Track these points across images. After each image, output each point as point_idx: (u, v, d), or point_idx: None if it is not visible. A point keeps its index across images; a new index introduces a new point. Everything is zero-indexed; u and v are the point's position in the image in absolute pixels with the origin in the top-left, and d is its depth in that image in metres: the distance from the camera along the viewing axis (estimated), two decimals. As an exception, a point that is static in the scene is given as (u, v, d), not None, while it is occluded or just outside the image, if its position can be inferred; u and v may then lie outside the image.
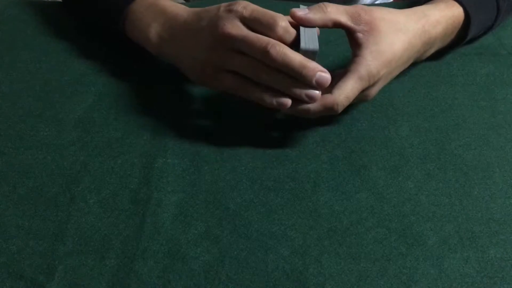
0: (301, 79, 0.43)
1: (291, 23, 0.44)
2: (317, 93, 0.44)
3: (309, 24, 0.44)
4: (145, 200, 0.44)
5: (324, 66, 0.43)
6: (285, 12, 0.45)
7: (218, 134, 0.49)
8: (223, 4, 0.45)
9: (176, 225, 0.42)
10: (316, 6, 0.45)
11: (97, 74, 0.55)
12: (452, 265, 0.40)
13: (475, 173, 0.46)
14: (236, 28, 0.44)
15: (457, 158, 0.48)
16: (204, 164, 0.47)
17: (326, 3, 0.45)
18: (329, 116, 0.47)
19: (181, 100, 0.52)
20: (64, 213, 0.43)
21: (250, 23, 0.44)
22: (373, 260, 0.40)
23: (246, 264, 0.40)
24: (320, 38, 0.45)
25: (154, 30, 0.50)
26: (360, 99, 0.47)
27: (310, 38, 0.43)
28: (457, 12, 0.52)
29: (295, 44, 0.44)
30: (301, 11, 0.44)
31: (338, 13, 0.45)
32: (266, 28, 0.44)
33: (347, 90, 0.44)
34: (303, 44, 0.43)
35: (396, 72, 0.49)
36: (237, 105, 0.50)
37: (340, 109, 0.45)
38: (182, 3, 0.55)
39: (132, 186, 0.45)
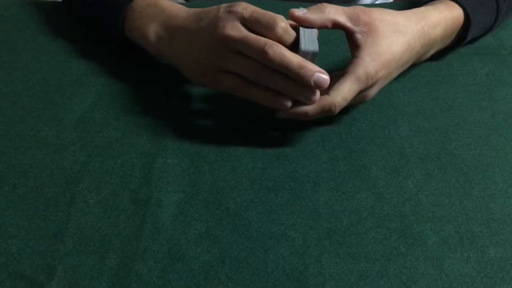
0: (299, 80, 0.43)
1: (291, 25, 0.44)
2: (315, 94, 0.44)
3: (307, 24, 0.44)
4: (145, 200, 0.44)
5: (323, 66, 0.43)
6: (285, 13, 0.45)
7: (218, 134, 0.49)
8: (223, 5, 0.45)
9: (176, 225, 0.42)
10: (315, 6, 0.45)
11: (97, 74, 0.55)
12: (452, 265, 0.40)
13: (475, 173, 0.46)
14: (236, 30, 0.44)
15: (457, 158, 0.48)
16: (204, 164, 0.47)
17: (325, 4, 0.45)
18: (329, 116, 0.47)
19: (181, 100, 0.52)
20: (64, 213, 0.43)
21: (250, 24, 0.44)
22: (373, 260, 0.41)
23: (246, 264, 0.40)
24: (320, 38, 0.45)
25: (152, 30, 0.50)
26: (359, 100, 0.48)
27: (309, 40, 0.43)
28: (457, 13, 0.51)
29: (295, 46, 0.44)
30: (300, 11, 0.44)
31: (337, 14, 0.45)
32: (266, 29, 0.44)
33: (344, 91, 0.44)
34: (302, 46, 0.43)
35: (396, 74, 0.49)
36: (237, 105, 0.50)
37: (337, 110, 0.45)
38: (182, 3, 0.55)
39: (132, 186, 0.45)
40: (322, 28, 0.45)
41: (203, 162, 0.47)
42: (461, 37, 0.54)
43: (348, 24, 0.45)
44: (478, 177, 0.46)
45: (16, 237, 0.42)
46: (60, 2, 0.63)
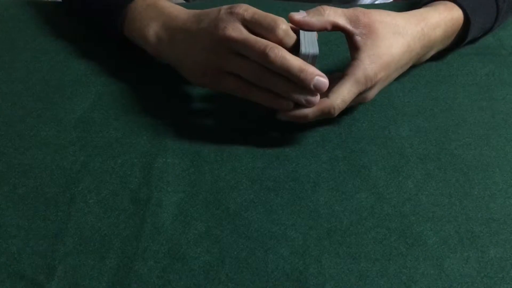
0: (299, 83, 0.43)
1: (291, 28, 0.44)
2: (315, 97, 0.44)
3: (307, 27, 0.44)
4: (145, 200, 0.44)
5: (323, 67, 0.43)
6: (286, 14, 0.45)
7: (218, 134, 0.49)
8: (224, 7, 0.45)
9: (176, 225, 0.42)
10: (314, 9, 0.45)
11: (97, 74, 0.55)
12: (452, 265, 0.40)
13: (475, 173, 0.46)
14: (237, 31, 0.44)
15: (457, 158, 0.48)
16: (204, 164, 0.47)
17: (325, 6, 0.45)
18: (328, 117, 0.47)
19: (181, 100, 0.52)
20: (64, 213, 0.43)
21: (251, 25, 0.44)
22: (373, 260, 0.41)
23: (246, 264, 0.40)
24: (319, 39, 0.45)
25: (152, 31, 0.50)
26: (358, 101, 0.48)
27: (310, 42, 0.44)
28: (457, 14, 0.51)
29: (295, 48, 0.44)
30: (299, 15, 0.44)
31: (336, 16, 0.45)
32: (267, 31, 0.44)
33: (343, 94, 0.44)
34: (303, 48, 0.43)
35: (395, 75, 0.49)
36: (237, 105, 0.50)
37: (337, 112, 0.45)
38: (182, 4, 0.55)
39: (132, 186, 0.45)
40: (321, 30, 0.45)
41: (203, 162, 0.47)
42: (461, 38, 0.54)
43: (348, 26, 0.45)
44: (478, 177, 0.46)
45: (16, 237, 0.42)
46: (60, 2, 0.63)
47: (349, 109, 0.50)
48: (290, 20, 0.45)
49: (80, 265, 0.40)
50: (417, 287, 0.39)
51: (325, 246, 0.41)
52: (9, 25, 0.61)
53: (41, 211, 0.43)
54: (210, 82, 0.48)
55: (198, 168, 0.46)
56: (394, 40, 0.46)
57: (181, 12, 0.50)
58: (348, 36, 0.46)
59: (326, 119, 0.48)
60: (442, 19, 0.50)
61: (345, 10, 0.46)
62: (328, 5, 0.46)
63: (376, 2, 0.78)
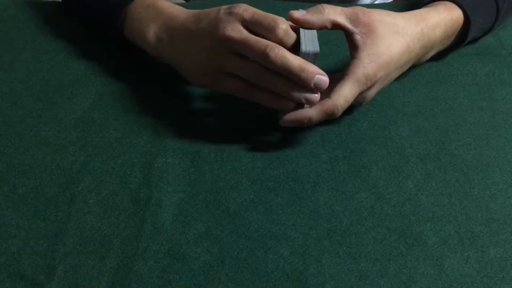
0: (300, 82, 0.43)
1: (291, 27, 0.44)
2: (316, 96, 0.44)
3: (307, 25, 0.44)
4: (145, 200, 0.44)
5: (324, 66, 0.43)
6: (285, 14, 0.45)
7: (218, 134, 0.49)
8: (224, 7, 0.45)
9: (176, 225, 0.42)
10: (314, 7, 0.45)
11: (97, 74, 0.55)
12: (452, 265, 0.40)
13: (475, 173, 0.46)
14: (237, 31, 0.44)
15: (457, 158, 0.48)
16: (204, 164, 0.47)
17: (324, 5, 0.45)
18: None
19: (181, 100, 0.52)
20: (64, 213, 0.43)
21: (251, 25, 0.44)
22: (373, 260, 0.41)
23: (246, 264, 0.40)
24: (319, 38, 0.45)
25: (152, 31, 0.50)
26: (358, 101, 0.48)
27: (310, 41, 0.44)
28: (457, 14, 0.51)
29: (295, 47, 0.44)
30: (299, 13, 0.44)
31: (336, 14, 0.45)
32: (267, 31, 0.43)
33: (345, 93, 0.44)
34: (303, 47, 0.43)
35: (395, 75, 0.49)
36: (237, 105, 0.50)
37: (340, 112, 0.45)
38: (181, 4, 0.55)
39: (132, 186, 0.45)
40: (321, 29, 0.45)
41: (203, 162, 0.47)
42: (461, 38, 0.54)
43: (348, 24, 0.45)
44: (478, 177, 0.46)
45: (16, 237, 0.42)
46: (60, 2, 0.63)
47: (349, 109, 0.50)
48: (289, 18, 0.44)
49: (80, 265, 0.40)
50: (417, 287, 0.39)
51: (325, 246, 0.41)
52: (9, 25, 0.61)
53: (41, 211, 0.43)
54: (210, 82, 0.48)
55: (198, 168, 0.46)
56: (393, 40, 0.46)
57: (180, 12, 0.50)
58: (348, 35, 0.46)
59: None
60: (442, 20, 0.50)
61: (345, 9, 0.46)
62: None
63: (376, 2, 0.78)
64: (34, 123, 0.50)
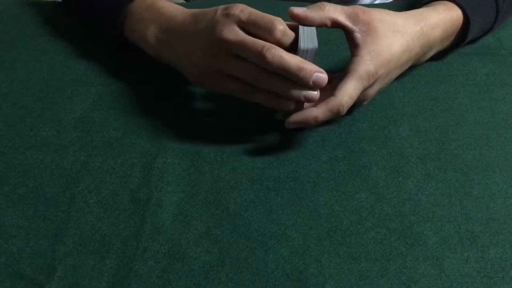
0: (298, 81, 0.43)
1: (289, 26, 0.44)
2: (315, 93, 0.44)
3: (307, 22, 0.44)
4: (145, 200, 0.44)
5: (323, 66, 0.43)
6: (284, 13, 0.45)
7: (218, 134, 0.49)
8: (221, 7, 0.45)
9: (176, 225, 0.42)
10: (314, 5, 0.45)
11: (97, 74, 0.55)
12: (452, 265, 0.40)
13: (475, 173, 0.46)
14: (233, 33, 0.44)
15: (457, 158, 0.48)
16: (204, 164, 0.47)
17: (325, 2, 0.45)
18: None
19: (181, 100, 0.52)
20: (64, 213, 0.43)
21: (248, 26, 0.44)
22: (373, 260, 0.41)
23: (246, 264, 0.40)
24: (319, 38, 0.45)
25: (151, 32, 0.50)
26: (359, 99, 0.47)
27: (309, 37, 0.44)
28: (456, 14, 0.51)
29: (293, 47, 0.44)
30: (300, 9, 0.44)
31: (336, 12, 0.45)
32: (264, 32, 0.43)
33: (349, 90, 0.44)
34: (302, 44, 0.43)
35: (395, 74, 0.49)
36: (237, 105, 0.50)
37: (346, 110, 0.45)
38: (181, 4, 0.55)
39: (132, 186, 0.45)
40: (321, 26, 0.45)
41: (203, 162, 0.47)
42: (461, 38, 0.54)
43: (347, 23, 0.45)
44: (478, 177, 0.46)
45: (16, 237, 0.42)
46: (60, 2, 0.63)
47: (349, 109, 0.50)
48: (289, 14, 0.44)
49: (80, 265, 0.40)
50: (417, 287, 0.39)
51: (325, 246, 0.41)
52: (9, 25, 0.61)
53: (41, 211, 0.43)
54: (210, 82, 0.48)
55: (198, 168, 0.46)
56: (393, 39, 0.46)
57: (179, 12, 0.50)
58: (348, 33, 0.46)
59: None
60: (441, 19, 0.50)
61: (345, 7, 0.46)
62: None
63: (376, 2, 0.78)
64: (34, 123, 0.50)
